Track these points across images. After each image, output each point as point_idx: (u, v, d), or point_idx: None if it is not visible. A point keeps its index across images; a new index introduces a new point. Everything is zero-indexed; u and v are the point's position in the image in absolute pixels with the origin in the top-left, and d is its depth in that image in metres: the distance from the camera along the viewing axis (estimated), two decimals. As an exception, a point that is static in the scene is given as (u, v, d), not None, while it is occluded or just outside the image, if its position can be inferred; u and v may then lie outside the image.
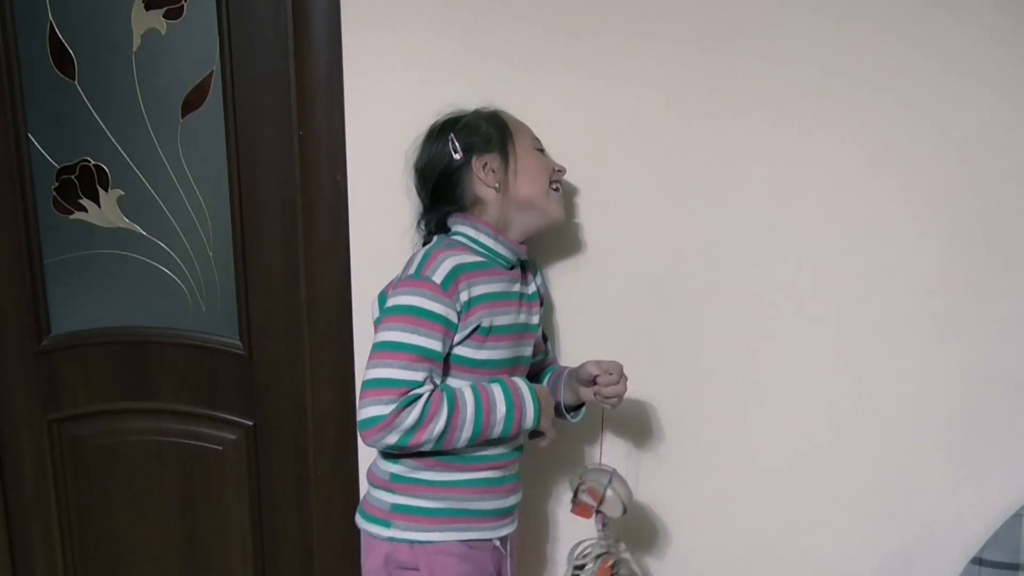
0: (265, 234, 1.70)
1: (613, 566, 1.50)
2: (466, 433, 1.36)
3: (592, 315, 1.66)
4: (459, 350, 1.39)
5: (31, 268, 1.77)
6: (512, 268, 1.47)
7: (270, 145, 1.65)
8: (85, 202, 1.75)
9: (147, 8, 1.66)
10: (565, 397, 1.51)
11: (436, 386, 1.37)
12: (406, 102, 1.59)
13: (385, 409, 1.32)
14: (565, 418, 1.52)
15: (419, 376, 1.34)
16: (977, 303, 1.62)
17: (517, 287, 1.47)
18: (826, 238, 1.61)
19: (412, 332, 1.34)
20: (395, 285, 1.40)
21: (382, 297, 1.45)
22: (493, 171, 1.42)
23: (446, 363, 1.39)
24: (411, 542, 1.39)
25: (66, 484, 1.87)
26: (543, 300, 1.57)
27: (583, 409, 1.53)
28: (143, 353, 1.81)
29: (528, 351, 1.51)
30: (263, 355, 1.75)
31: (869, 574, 1.73)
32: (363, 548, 1.44)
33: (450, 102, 1.57)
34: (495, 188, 1.41)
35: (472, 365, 1.40)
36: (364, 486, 1.51)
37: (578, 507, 1.49)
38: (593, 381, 1.45)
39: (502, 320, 1.42)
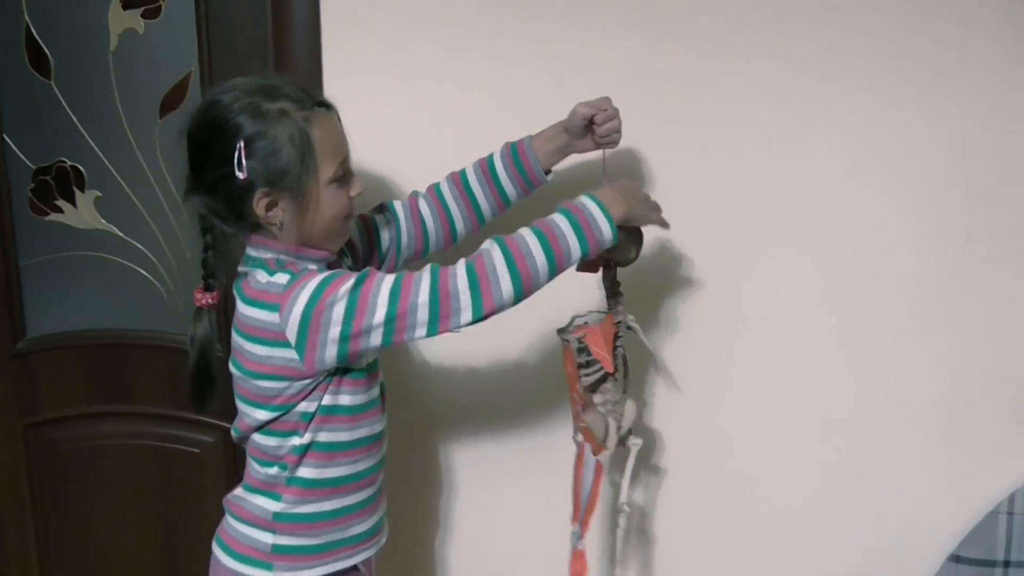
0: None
1: (618, 324, 1.39)
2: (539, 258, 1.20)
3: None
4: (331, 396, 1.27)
5: (6, 270, 1.75)
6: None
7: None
8: (61, 203, 1.74)
9: (124, 7, 1.65)
10: (543, 162, 1.41)
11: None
12: (388, 103, 1.58)
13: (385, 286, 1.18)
14: (545, 182, 1.43)
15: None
16: (960, 302, 1.63)
17: None
18: (813, 237, 1.62)
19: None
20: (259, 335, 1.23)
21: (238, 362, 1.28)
22: (279, 211, 1.22)
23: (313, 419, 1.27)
24: None
25: (42, 489, 1.84)
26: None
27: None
28: (120, 356, 1.79)
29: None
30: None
31: (848, 571, 1.73)
32: None
33: (432, 102, 1.57)
34: (276, 227, 1.24)
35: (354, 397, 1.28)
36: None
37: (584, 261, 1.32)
38: (588, 124, 1.36)
39: None
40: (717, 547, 1.75)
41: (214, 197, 1.24)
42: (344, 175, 1.27)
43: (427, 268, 1.20)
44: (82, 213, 1.74)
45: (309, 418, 1.27)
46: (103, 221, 1.74)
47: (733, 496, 1.72)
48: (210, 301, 1.30)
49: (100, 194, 1.73)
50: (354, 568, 1.36)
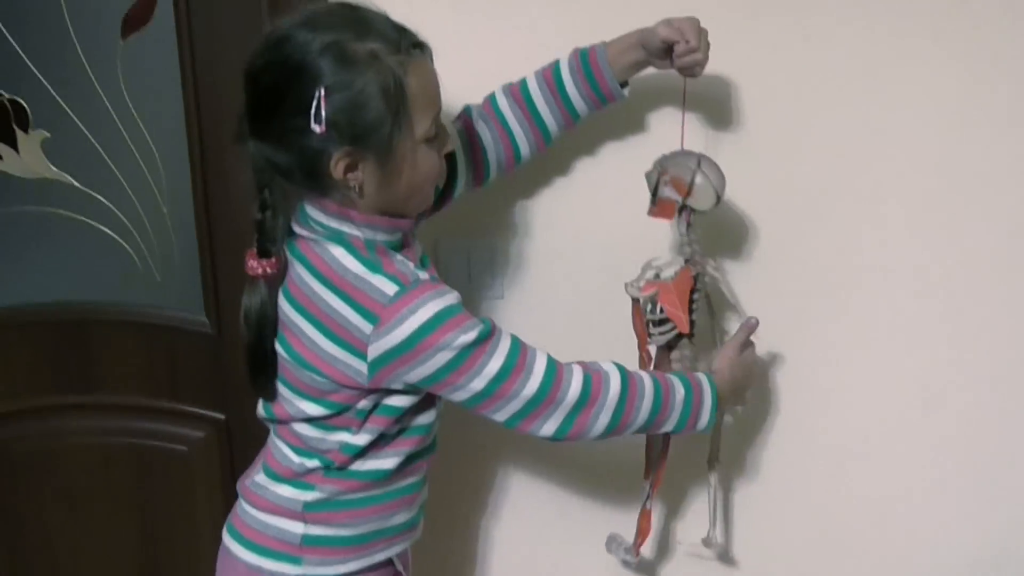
0: (233, 182, 1.55)
1: (696, 278, 1.34)
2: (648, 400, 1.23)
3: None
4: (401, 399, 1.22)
5: (-66, 232, 1.62)
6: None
7: (236, 69, 1.43)
8: (0, 148, 1.62)
9: (73, -102, 1.50)
10: (619, 76, 1.33)
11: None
12: (399, 11, 1.35)
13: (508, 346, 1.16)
14: (621, 98, 1.35)
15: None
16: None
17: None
18: (916, 194, 1.55)
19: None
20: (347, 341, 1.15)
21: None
22: (360, 174, 1.14)
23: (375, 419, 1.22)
24: None
25: (-10, 500, 1.74)
26: None
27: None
28: (83, 335, 1.69)
29: None
30: (235, 333, 1.56)
31: (961, 559, 1.70)
32: None
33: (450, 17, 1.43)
34: (353, 191, 1.15)
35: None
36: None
37: (659, 206, 1.32)
38: (668, 50, 1.28)
39: None
40: (815, 534, 1.69)
41: (280, 150, 1.14)
42: (437, 132, 1.19)
43: (546, 359, 1.19)
44: (26, 159, 1.63)
45: (364, 415, 1.21)
46: (53, 168, 1.63)
47: (830, 481, 1.66)
48: (268, 270, 1.22)
49: (48, 135, 1.62)
50: (388, 562, 1.32)
